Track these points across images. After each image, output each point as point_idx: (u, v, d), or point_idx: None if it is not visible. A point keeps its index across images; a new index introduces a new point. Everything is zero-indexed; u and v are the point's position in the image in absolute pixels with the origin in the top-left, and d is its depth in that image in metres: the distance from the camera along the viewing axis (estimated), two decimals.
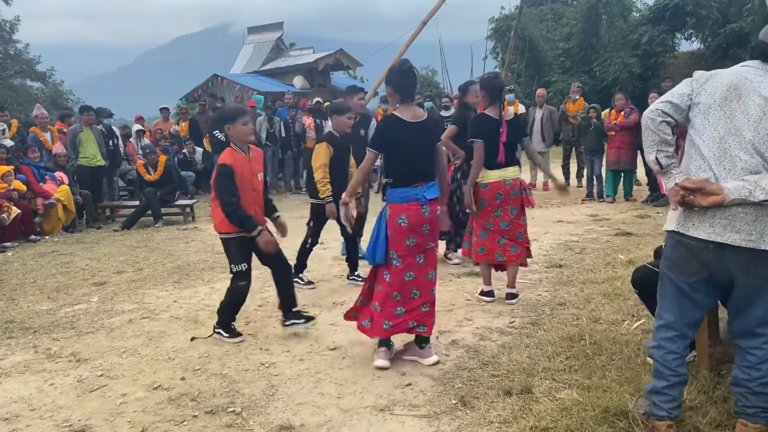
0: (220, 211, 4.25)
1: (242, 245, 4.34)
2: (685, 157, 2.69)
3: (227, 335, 4.46)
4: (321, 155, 5.45)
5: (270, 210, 4.60)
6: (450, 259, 6.41)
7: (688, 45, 26.73)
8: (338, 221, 5.46)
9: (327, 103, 14.19)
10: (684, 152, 2.72)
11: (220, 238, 4.44)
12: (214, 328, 4.53)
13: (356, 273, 5.87)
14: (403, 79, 3.83)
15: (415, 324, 3.84)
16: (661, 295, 2.84)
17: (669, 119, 2.66)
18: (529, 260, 5.30)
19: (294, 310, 4.54)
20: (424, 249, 3.85)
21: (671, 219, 2.73)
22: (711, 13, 23.38)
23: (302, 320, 4.53)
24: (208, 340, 4.44)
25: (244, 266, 4.38)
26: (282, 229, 4.62)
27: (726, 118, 2.57)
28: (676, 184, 2.61)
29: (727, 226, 2.52)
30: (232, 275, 4.42)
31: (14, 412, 3.43)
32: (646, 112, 2.70)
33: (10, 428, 3.26)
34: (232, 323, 4.53)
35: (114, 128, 11.53)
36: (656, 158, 2.66)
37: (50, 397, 3.61)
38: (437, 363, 3.83)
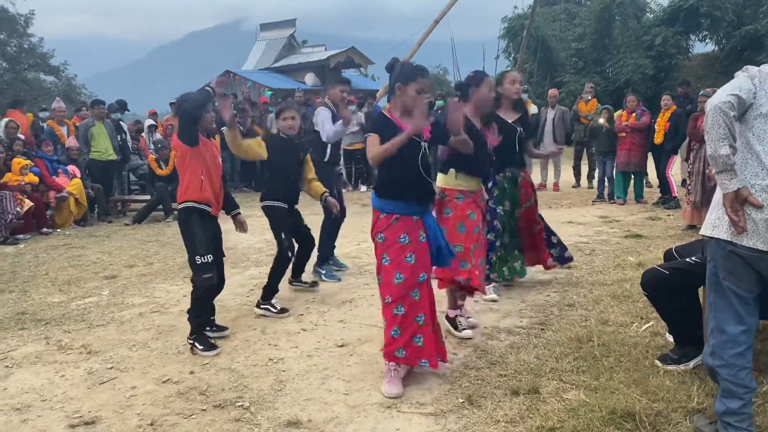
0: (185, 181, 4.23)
1: (204, 224, 4.30)
2: (738, 161, 2.55)
3: (201, 347, 4.11)
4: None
5: (230, 206, 4.68)
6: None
7: (702, 47, 26.58)
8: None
9: None
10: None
11: (180, 208, 4.36)
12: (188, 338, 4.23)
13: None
14: None
15: None
16: (719, 308, 2.70)
17: (735, 113, 2.50)
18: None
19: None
20: None
21: (718, 225, 2.62)
22: (726, 15, 23.20)
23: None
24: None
25: (209, 257, 4.24)
26: (241, 227, 4.75)
27: None
28: (738, 190, 2.49)
29: None
30: (195, 267, 4.31)
31: (25, 403, 3.47)
32: (716, 103, 2.49)
33: (21, 418, 3.30)
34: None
35: (122, 123, 11.56)
36: (728, 153, 2.46)
37: (61, 389, 3.65)
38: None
